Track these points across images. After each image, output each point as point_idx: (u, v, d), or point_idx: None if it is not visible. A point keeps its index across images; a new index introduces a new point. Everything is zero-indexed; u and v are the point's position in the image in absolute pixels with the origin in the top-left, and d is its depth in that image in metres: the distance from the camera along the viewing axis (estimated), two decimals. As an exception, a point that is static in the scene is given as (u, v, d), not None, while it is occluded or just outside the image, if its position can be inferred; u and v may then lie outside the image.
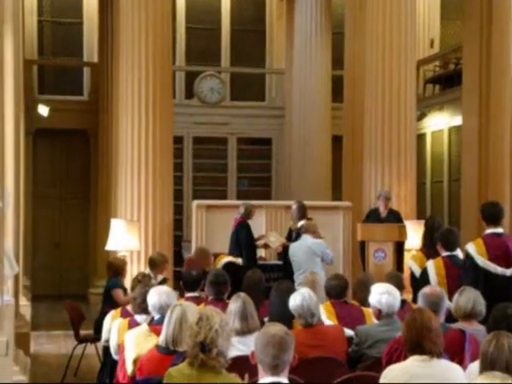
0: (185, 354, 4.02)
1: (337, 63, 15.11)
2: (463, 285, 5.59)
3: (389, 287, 5.35)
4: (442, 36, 16.97)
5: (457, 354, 4.50)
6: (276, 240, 10.02)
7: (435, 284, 6.28)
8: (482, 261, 6.17)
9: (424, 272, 6.68)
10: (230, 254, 9.40)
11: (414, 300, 6.42)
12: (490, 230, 6.37)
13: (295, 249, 9.13)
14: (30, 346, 9.13)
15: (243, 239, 9.63)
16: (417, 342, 3.83)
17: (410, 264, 7.50)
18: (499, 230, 6.37)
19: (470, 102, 12.41)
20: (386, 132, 10.70)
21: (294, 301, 5.22)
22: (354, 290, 6.57)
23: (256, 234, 10.09)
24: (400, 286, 6.02)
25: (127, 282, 8.39)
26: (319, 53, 15.35)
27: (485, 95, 12.04)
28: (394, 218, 10.01)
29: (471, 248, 6.27)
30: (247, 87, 17.57)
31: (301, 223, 9.58)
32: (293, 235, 9.87)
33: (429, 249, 7.51)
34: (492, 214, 6.43)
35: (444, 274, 6.50)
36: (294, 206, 10.02)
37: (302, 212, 9.89)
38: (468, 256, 6.29)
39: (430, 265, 6.62)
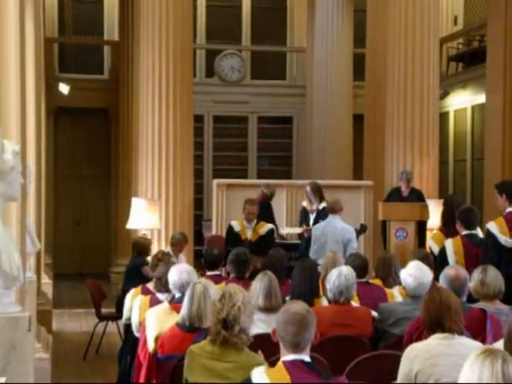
0: (207, 332, 4.02)
1: (359, 41, 14.96)
2: (483, 264, 5.48)
3: (417, 269, 5.26)
4: (465, 13, 16.72)
5: (478, 334, 4.45)
6: (293, 230, 9.72)
7: (453, 263, 6.21)
8: (504, 239, 6.09)
9: (442, 251, 6.61)
10: None
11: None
12: (510, 209, 6.28)
13: (323, 231, 8.45)
14: (52, 324, 9.20)
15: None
16: (436, 320, 3.80)
17: (430, 244, 7.43)
18: (520, 207, 6.27)
19: (494, 79, 12.26)
20: (409, 110, 10.60)
21: (331, 275, 5.22)
22: (376, 268, 6.52)
23: (277, 215, 9.97)
24: (430, 267, 5.92)
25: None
26: (341, 30, 15.21)
27: (509, 73, 11.89)
28: (416, 196, 9.91)
29: (493, 227, 6.18)
30: (268, 65, 17.45)
31: (322, 205, 9.26)
32: (309, 217, 9.60)
33: (449, 227, 7.44)
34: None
35: (462, 253, 6.43)
36: (308, 188, 9.50)
37: (320, 193, 9.47)
38: (489, 235, 6.19)
39: (449, 244, 6.55)
